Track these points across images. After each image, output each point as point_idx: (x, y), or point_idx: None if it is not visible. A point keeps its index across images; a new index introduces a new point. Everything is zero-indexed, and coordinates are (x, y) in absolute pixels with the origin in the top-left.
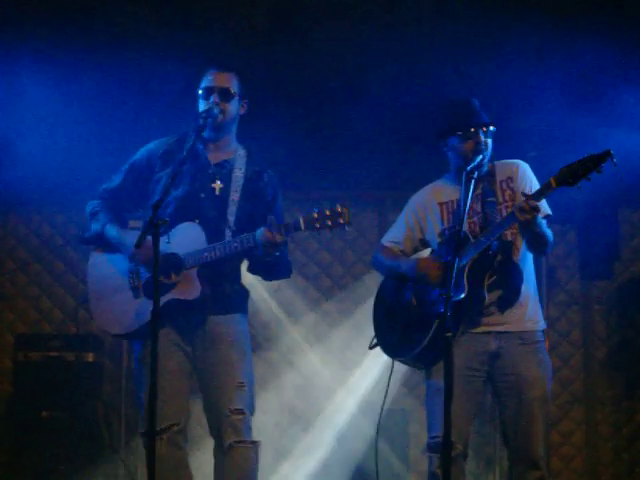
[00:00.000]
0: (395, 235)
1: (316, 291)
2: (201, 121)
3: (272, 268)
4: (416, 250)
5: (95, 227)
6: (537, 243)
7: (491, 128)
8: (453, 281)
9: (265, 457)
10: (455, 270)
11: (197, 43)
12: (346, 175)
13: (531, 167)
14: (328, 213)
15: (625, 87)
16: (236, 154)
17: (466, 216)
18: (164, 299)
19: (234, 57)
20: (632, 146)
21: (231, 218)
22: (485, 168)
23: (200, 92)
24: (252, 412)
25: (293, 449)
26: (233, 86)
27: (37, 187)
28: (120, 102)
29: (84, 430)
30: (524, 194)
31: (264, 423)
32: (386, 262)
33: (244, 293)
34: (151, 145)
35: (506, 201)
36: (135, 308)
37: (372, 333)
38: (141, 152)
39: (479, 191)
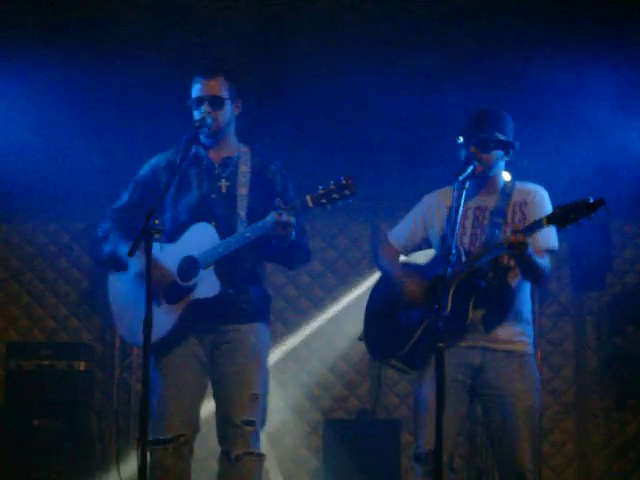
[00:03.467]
0: (400, 232)
1: (307, 301)
2: (196, 131)
3: (289, 253)
4: (419, 248)
5: (108, 248)
6: (529, 274)
7: (495, 145)
8: (441, 296)
9: None
10: (446, 285)
11: (191, 48)
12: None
13: (522, 177)
14: (333, 187)
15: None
16: (239, 151)
17: (458, 225)
18: (184, 303)
19: (229, 60)
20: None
21: (242, 212)
22: (493, 178)
23: (191, 102)
24: (263, 424)
25: None
26: (223, 91)
27: (30, 196)
28: (114, 112)
29: (75, 438)
30: (514, 228)
31: None
32: (383, 264)
33: (266, 300)
34: (154, 160)
35: (514, 224)
36: (157, 317)
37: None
38: (145, 167)
39: (491, 206)
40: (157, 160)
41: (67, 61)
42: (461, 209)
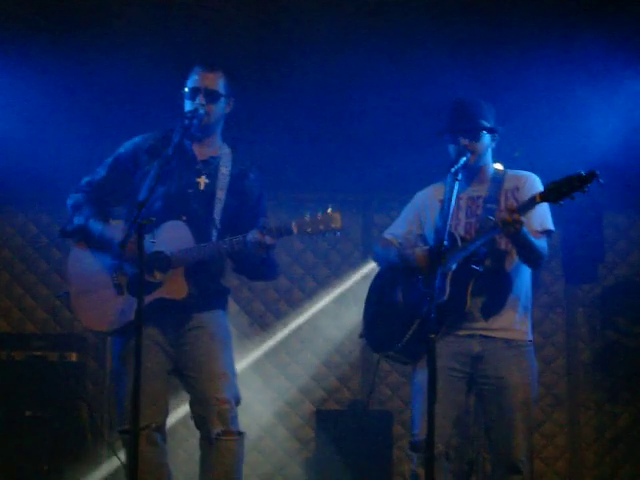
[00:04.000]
0: (396, 229)
1: (300, 292)
2: (187, 121)
3: (258, 268)
4: (415, 245)
5: (78, 220)
6: (527, 256)
7: (484, 133)
8: (437, 284)
9: None
10: (439, 274)
11: (182, 39)
12: (332, 177)
13: (514, 168)
14: (320, 217)
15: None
16: (221, 151)
17: (450, 218)
18: (150, 298)
19: (221, 54)
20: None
21: (217, 217)
22: (482, 168)
23: (186, 91)
24: (238, 402)
25: None
26: (220, 86)
27: (21, 187)
28: (106, 102)
29: (67, 429)
30: (507, 206)
31: None
32: (380, 251)
33: (226, 291)
34: (137, 139)
35: (508, 203)
36: (118, 305)
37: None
38: (126, 146)
39: (483, 194)
40: (140, 140)
41: (59, 52)
42: (453, 200)
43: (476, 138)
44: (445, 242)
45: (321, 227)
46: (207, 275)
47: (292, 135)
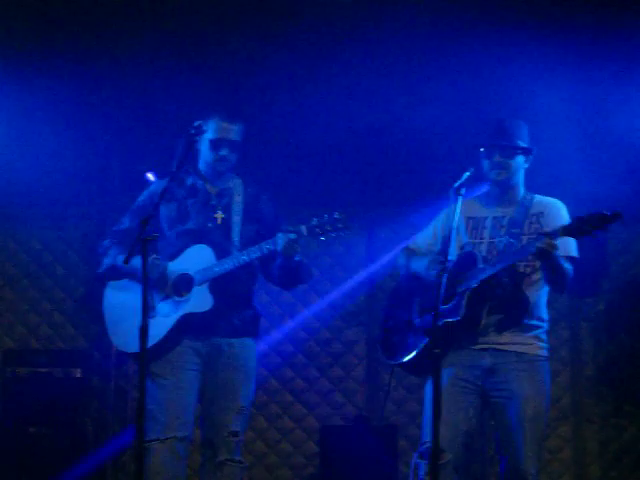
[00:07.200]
0: (420, 240)
1: (303, 308)
2: (192, 138)
3: (295, 273)
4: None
5: (107, 261)
6: (554, 279)
7: (519, 152)
8: (442, 299)
9: None
10: (442, 289)
11: (183, 57)
12: (335, 195)
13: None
14: (327, 220)
15: None
16: (233, 182)
17: (453, 233)
18: (177, 315)
19: (222, 75)
20: None
21: (236, 238)
22: (513, 188)
23: (208, 141)
24: (245, 431)
25: None
26: (239, 136)
27: (26, 203)
28: (109, 122)
29: (72, 446)
30: (542, 232)
31: None
32: (401, 260)
33: (257, 317)
34: (152, 186)
35: (531, 234)
36: (150, 328)
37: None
38: (144, 194)
39: (508, 216)
40: (155, 187)
41: (59, 68)
42: (457, 216)
43: (511, 156)
44: (449, 258)
45: (328, 228)
46: (232, 289)
47: (296, 152)
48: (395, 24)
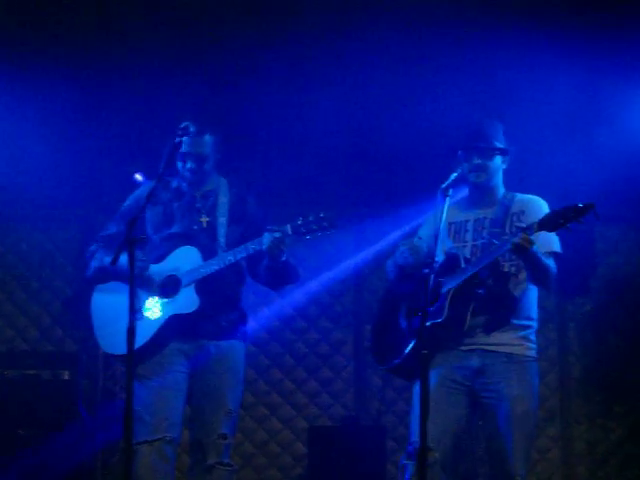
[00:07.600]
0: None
1: (291, 310)
2: (178, 143)
3: (282, 273)
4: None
5: (94, 263)
6: (536, 276)
7: (497, 153)
8: (429, 300)
9: None
10: (429, 290)
11: (188, 56)
12: (325, 194)
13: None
14: (312, 219)
15: None
16: (218, 183)
17: (440, 234)
18: (165, 317)
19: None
20: None
21: (222, 240)
22: (492, 189)
23: (179, 153)
24: (234, 434)
25: None
26: (207, 148)
27: (14, 205)
28: (100, 123)
29: (60, 448)
30: (518, 226)
31: None
32: (390, 264)
33: (245, 320)
34: (137, 191)
35: (512, 233)
36: (137, 329)
37: None
38: (129, 199)
39: (489, 216)
40: (140, 192)
41: (48, 71)
42: (444, 216)
43: (489, 158)
44: (436, 259)
45: (314, 227)
46: (219, 290)
47: (283, 152)
48: (391, 25)
